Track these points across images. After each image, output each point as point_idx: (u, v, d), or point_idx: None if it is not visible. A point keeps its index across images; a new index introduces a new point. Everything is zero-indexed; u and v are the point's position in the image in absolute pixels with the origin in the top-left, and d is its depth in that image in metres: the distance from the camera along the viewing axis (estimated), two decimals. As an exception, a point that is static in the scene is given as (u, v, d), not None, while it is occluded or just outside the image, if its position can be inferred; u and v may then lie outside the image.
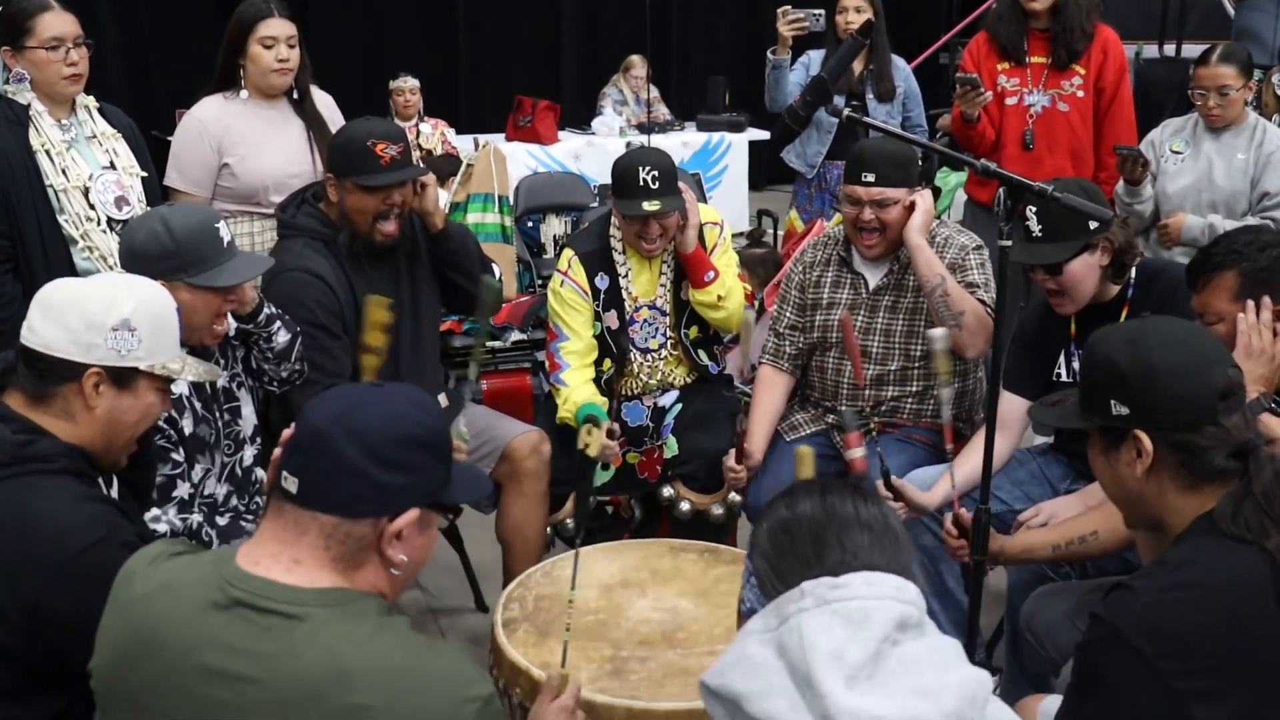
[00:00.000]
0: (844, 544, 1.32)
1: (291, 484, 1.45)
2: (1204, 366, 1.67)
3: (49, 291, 1.89)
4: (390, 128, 2.93)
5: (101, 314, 1.85)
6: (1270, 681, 1.55)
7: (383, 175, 2.82)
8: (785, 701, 1.23)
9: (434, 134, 6.57)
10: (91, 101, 3.06)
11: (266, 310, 2.65)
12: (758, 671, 1.26)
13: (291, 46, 3.24)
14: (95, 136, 3.02)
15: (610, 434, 3.08)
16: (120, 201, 2.98)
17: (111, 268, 2.87)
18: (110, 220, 2.95)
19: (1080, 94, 4.06)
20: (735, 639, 1.34)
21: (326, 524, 1.44)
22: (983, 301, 2.93)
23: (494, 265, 3.22)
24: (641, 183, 3.03)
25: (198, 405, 2.51)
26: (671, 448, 3.26)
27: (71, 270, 2.87)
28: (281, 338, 2.69)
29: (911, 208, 2.97)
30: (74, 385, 1.85)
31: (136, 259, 2.35)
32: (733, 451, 3.05)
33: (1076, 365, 2.75)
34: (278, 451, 1.51)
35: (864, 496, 1.38)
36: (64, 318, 1.84)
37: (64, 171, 2.92)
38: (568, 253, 3.26)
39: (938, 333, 2.39)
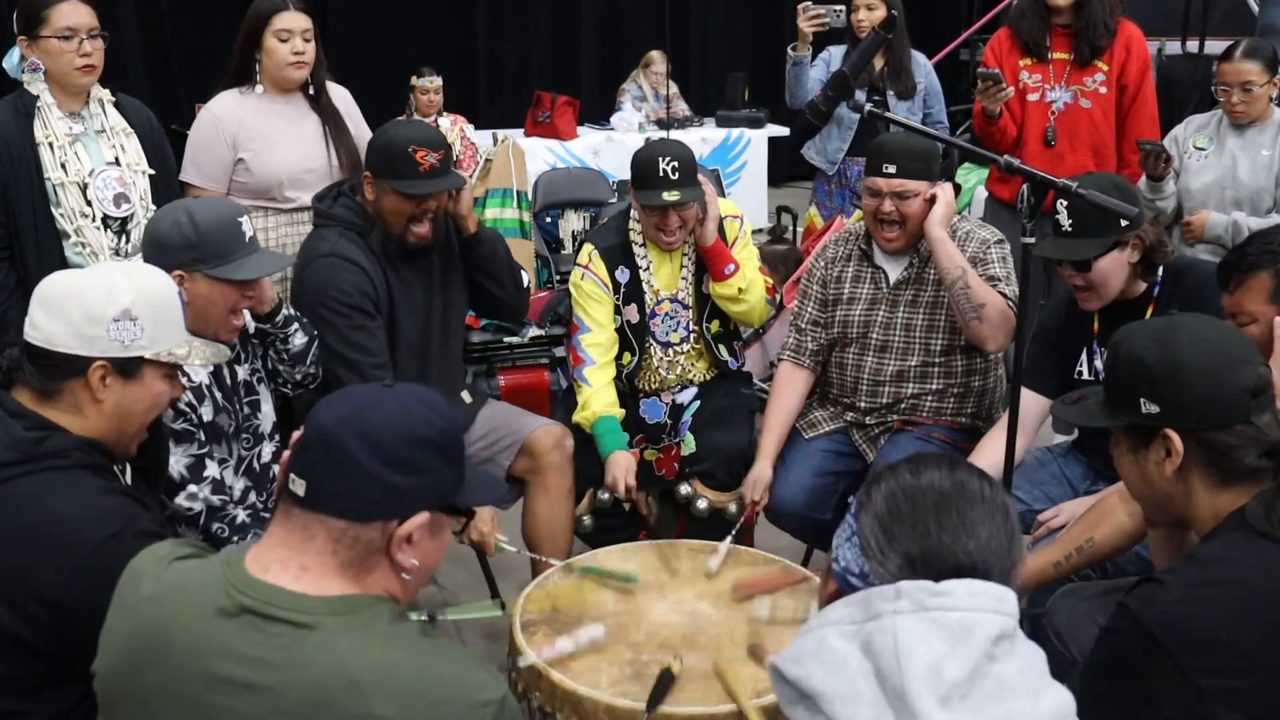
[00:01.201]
0: (965, 522, 1.28)
1: (299, 486, 1.42)
2: (1234, 364, 1.66)
3: (48, 285, 1.88)
4: (431, 134, 2.89)
5: (102, 305, 1.84)
6: None
7: (420, 184, 2.81)
8: (871, 711, 1.19)
9: (453, 129, 6.56)
10: (107, 95, 3.06)
11: (285, 311, 2.65)
12: (840, 669, 1.22)
13: (307, 40, 3.24)
14: (105, 131, 3.02)
15: (628, 490, 3.07)
16: (120, 199, 2.98)
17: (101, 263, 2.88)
18: (107, 217, 2.96)
19: (1103, 90, 4.03)
20: (812, 623, 1.30)
21: (334, 528, 1.41)
22: (1004, 295, 2.92)
23: (522, 271, 3.21)
24: (661, 173, 3.03)
25: (218, 395, 2.52)
26: (689, 445, 3.25)
27: (63, 263, 2.87)
28: (298, 340, 2.69)
29: (932, 201, 2.96)
30: (80, 380, 1.84)
31: (159, 248, 2.36)
32: (748, 486, 3.04)
33: (1099, 363, 2.73)
34: (287, 454, 1.48)
35: (989, 480, 1.34)
36: (64, 311, 1.83)
37: (63, 166, 2.92)
38: (587, 247, 3.26)
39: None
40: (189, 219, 2.37)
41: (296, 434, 1.48)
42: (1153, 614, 1.54)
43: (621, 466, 3.07)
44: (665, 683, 2.01)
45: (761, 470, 3.05)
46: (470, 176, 5.44)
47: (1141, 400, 1.69)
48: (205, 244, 2.37)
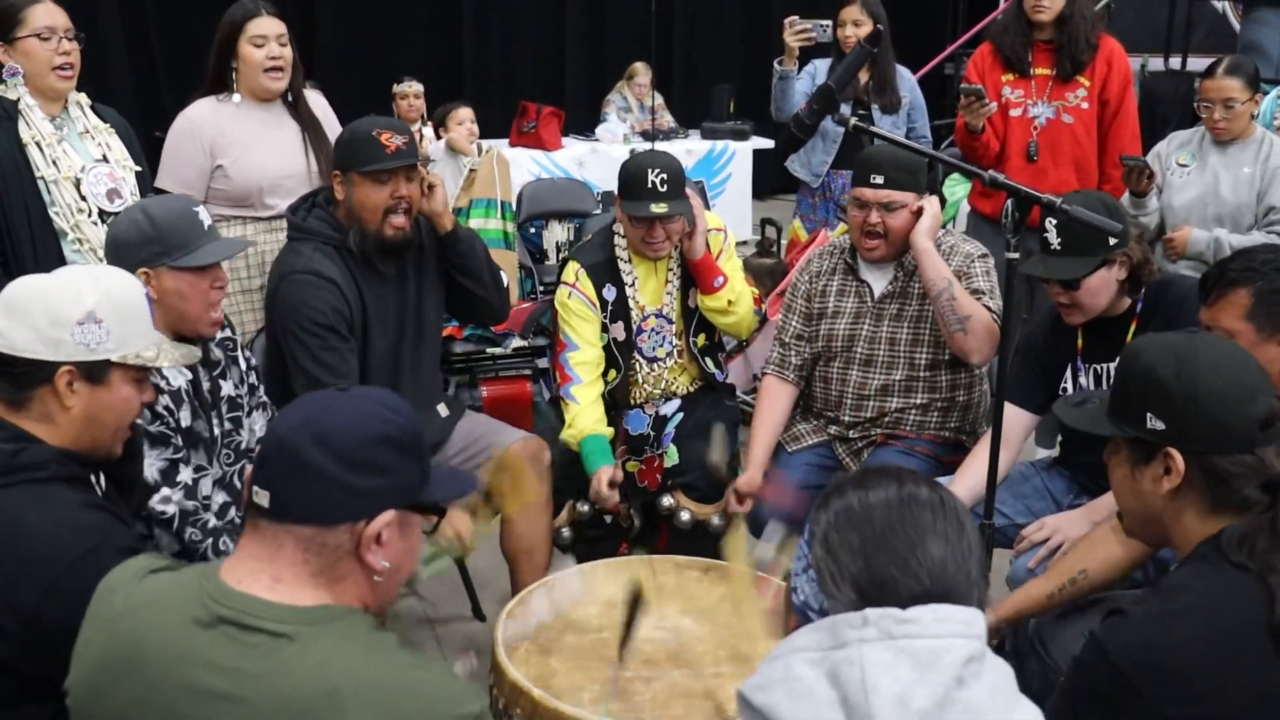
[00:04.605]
0: (917, 545, 1.27)
1: (263, 497, 1.41)
2: (1249, 394, 1.64)
3: (12, 291, 1.85)
4: (394, 121, 2.96)
5: (66, 309, 1.81)
6: (1260, 714, 1.52)
7: (389, 161, 2.80)
8: None
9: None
10: (84, 98, 3.05)
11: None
12: (806, 698, 1.22)
13: (283, 45, 3.23)
14: (88, 131, 3.01)
15: (611, 483, 3.06)
16: (112, 194, 2.97)
17: (102, 260, 2.86)
18: (102, 212, 2.94)
19: (1085, 106, 4.05)
20: (779, 648, 1.29)
21: (302, 536, 1.41)
22: (988, 309, 2.92)
23: (501, 272, 3.20)
24: (650, 185, 3.02)
25: (196, 403, 2.50)
26: (672, 457, 3.24)
27: (62, 263, 2.83)
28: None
29: (918, 214, 2.96)
30: (48, 387, 1.81)
31: (120, 249, 2.36)
32: (732, 492, 3.02)
33: (1083, 380, 2.73)
34: (250, 470, 1.48)
35: (942, 490, 1.32)
36: (28, 316, 1.80)
37: (55, 163, 2.90)
38: (573, 265, 3.23)
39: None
40: (145, 216, 2.39)
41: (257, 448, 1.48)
42: (1117, 646, 1.55)
43: (604, 478, 3.06)
44: (636, 605, 1.96)
45: (751, 477, 3.04)
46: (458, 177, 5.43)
47: (1149, 415, 1.67)
48: (165, 236, 2.37)
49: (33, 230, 2.88)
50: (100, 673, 1.44)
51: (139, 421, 2.32)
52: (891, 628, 1.22)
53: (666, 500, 3.22)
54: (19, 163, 2.87)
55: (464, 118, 5.69)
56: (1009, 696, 1.25)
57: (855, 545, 1.28)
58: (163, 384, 2.41)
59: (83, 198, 2.92)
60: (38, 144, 2.89)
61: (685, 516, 3.17)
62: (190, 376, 2.49)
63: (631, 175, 3.07)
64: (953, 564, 1.27)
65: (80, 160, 2.95)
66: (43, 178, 2.88)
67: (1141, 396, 1.69)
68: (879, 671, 1.20)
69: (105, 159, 3.00)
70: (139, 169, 3.07)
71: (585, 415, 3.15)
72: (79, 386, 1.83)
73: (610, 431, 3.18)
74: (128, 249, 2.34)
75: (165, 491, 2.39)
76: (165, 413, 2.41)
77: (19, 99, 2.90)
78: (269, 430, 1.46)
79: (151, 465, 2.38)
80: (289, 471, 1.40)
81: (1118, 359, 1.83)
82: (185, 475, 2.44)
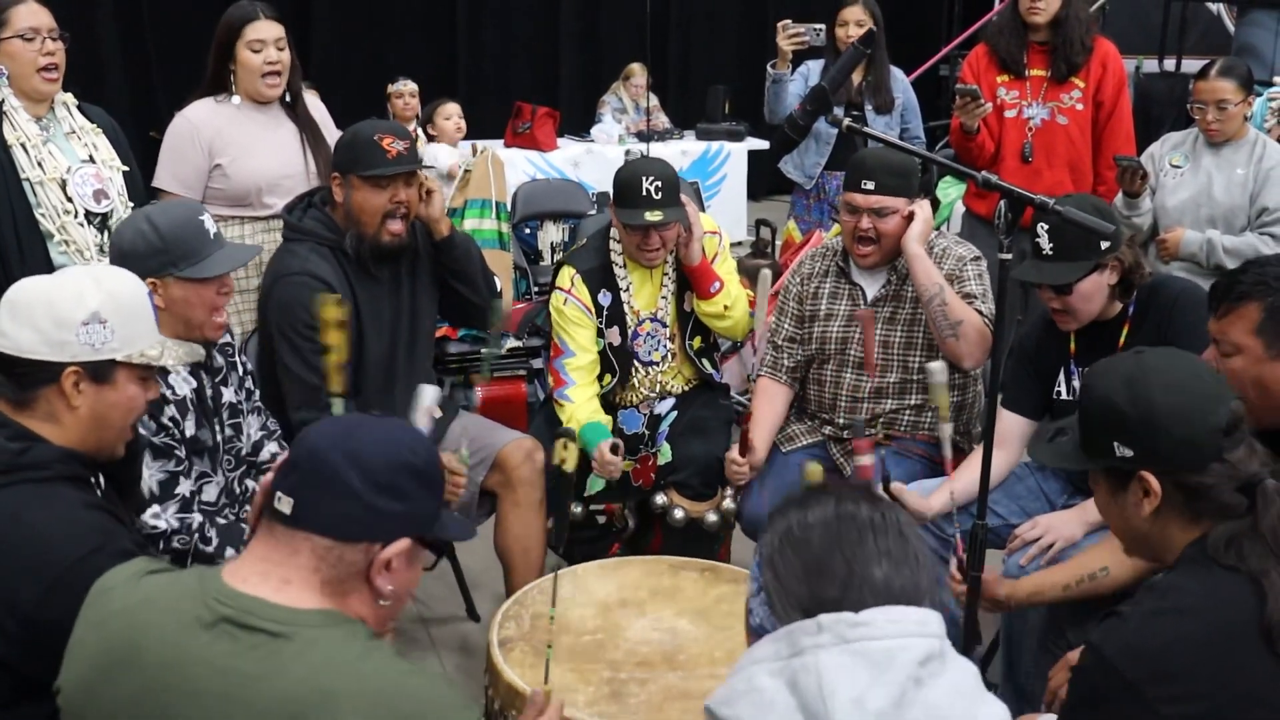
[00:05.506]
0: (856, 564, 1.27)
1: (286, 504, 1.43)
2: (1206, 405, 1.64)
3: (15, 293, 1.86)
4: (396, 126, 2.98)
5: (70, 310, 1.82)
6: (1253, 712, 1.53)
7: (390, 166, 2.81)
8: None
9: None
10: (70, 99, 3.04)
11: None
12: (769, 708, 1.22)
13: (280, 49, 3.23)
14: (74, 132, 3.00)
15: (614, 449, 3.07)
16: (99, 195, 2.96)
17: (88, 261, 2.85)
18: (89, 213, 2.93)
19: (1079, 107, 4.06)
20: (741, 660, 1.30)
21: (319, 546, 1.42)
22: (980, 313, 2.92)
23: (495, 278, 3.20)
24: (644, 193, 3.02)
25: (199, 412, 2.50)
26: (666, 455, 3.24)
27: (48, 265, 2.84)
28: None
29: (910, 218, 2.97)
30: (54, 387, 1.82)
31: (126, 259, 2.34)
32: (735, 445, 3.03)
33: (1077, 383, 2.73)
34: (268, 476, 1.50)
35: (878, 506, 1.32)
36: (32, 318, 1.81)
37: (40, 164, 2.89)
38: (569, 270, 3.24)
39: (936, 365, 2.31)
40: (150, 225, 2.37)
41: (281, 456, 1.49)
42: (1114, 647, 1.56)
43: (605, 447, 3.07)
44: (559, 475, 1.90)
45: (757, 448, 3.04)
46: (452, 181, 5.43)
47: (1115, 444, 1.68)
48: (172, 246, 2.36)
49: (19, 232, 2.87)
50: (95, 672, 1.45)
51: (142, 431, 2.32)
52: (845, 631, 1.23)
53: (660, 498, 3.22)
54: (3, 164, 2.86)
55: (451, 113, 5.69)
56: (972, 696, 1.25)
57: (798, 570, 1.29)
58: (168, 393, 2.41)
59: (69, 199, 2.91)
60: (22, 145, 2.88)
61: (679, 514, 3.18)
62: (194, 384, 2.49)
63: (626, 183, 3.07)
64: (898, 581, 1.27)
65: (66, 161, 2.94)
66: (28, 179, 2.87)
67: (1104, 427, 1.70)
68: (835, 676, 1.20)
69: (92, 159, 3.00)
70: (126, 169, 3.07)
71: (582, 410, 3.16)
72: (85, 386, 1.83)
73: (609, 420, 3.19)
74: (134, 260, 2.32)
75: (156, 508, 2.37)
76: (170, 424, 2.41)
77: (3, 100, 2.89)
78: (300, 440, 1.48)
79: (151, 477, 2.36)
80: (317, 482, 1.42)
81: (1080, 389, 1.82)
82: (184, 488, 2.43)
